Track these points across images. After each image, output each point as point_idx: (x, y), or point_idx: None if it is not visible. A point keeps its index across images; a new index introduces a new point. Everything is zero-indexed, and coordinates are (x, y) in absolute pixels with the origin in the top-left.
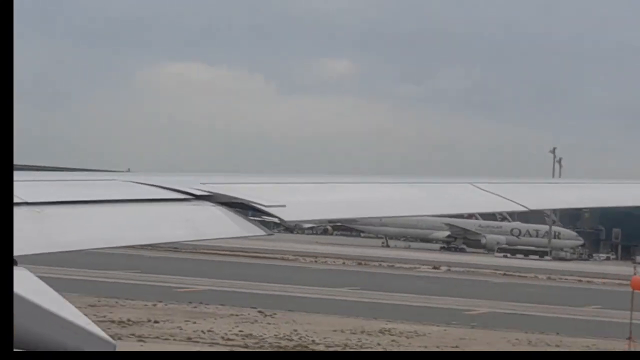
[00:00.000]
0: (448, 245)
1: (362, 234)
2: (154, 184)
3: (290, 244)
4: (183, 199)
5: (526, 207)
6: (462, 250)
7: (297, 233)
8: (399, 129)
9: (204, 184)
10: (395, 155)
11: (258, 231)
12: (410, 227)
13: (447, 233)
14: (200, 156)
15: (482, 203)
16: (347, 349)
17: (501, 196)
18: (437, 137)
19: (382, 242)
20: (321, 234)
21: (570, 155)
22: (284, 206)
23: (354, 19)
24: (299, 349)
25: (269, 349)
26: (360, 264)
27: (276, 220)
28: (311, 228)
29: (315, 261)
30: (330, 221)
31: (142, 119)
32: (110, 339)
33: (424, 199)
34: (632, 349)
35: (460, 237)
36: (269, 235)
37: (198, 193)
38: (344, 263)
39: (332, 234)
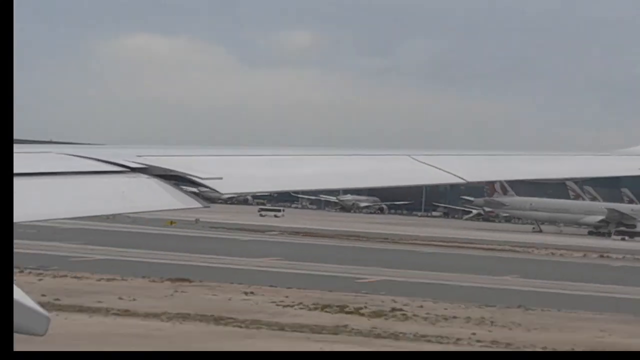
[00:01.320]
0: (597, 230)
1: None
2: (90, 156)
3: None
4: (118, 172)
5: (463, 179)
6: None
7: (354, 212)
8: (358, 101)
9: (140, 156)
10: (350, 127)
11: (194, 203)
12: (562, 211)
13: (600, 217)
14: (156, 129)
15: (418, 175)
16: None
17: (438, 168)
18: (395, 109)
19: (534, 228)
20: (375, 213)
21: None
22: (220, 178)
23: None
24: None
25: None
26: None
27: (213, 192)
28: (367, 207)
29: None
30: (266, 193)
31: (98, 93)
32: (44, 312)
33: (361, 172)
34: None
35: (615, 221)
36: (205, 207)
37: (133, 165)
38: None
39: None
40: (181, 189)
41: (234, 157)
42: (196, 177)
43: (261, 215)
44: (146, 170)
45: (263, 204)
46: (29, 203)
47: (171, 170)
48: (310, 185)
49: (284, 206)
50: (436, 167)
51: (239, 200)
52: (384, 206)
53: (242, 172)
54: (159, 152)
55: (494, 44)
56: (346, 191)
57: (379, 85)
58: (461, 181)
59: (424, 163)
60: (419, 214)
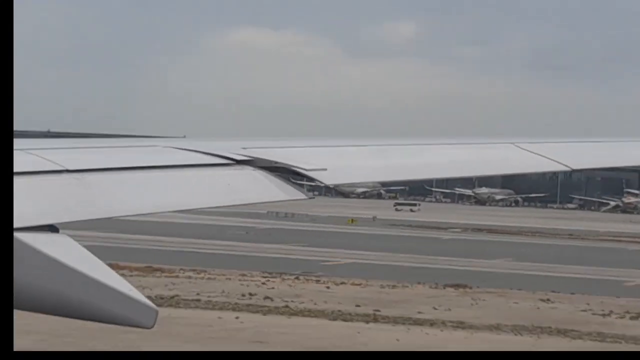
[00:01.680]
0: None
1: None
2: (195, 149)
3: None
4: (224, 164)
5: (569, 167)
6: None
7: (490, 205)
8: (462, 91)
9: (245, 148)
10: (453, 117)
11: (299, 195)
12: None
13: None
14: (266, 122)
15: (525, 163)
16: None
17: (544, 156)
18: (502, 98)
19: None
20: (510, 205)
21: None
22: (325, 169)
23: None
24: None
25: None
26: None
27: (319, 183)
28: (502, 200)
29: None
30: (372, 184)
31: (205, 86)
32: (152, 305)
33: (467, 160)
34: None
35: None
36: (310, 198)
37: (239, 158)
38: None
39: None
40: (287, 180)
41: (338, 147)
42: (301, 168)
43: (397, 209)
44: (251, 162)
45: (395, 197)
46: (139, 197)
47: (276, 162)
48: (415, 175)
49: (417, 200)
50: (541, 155)
51: (372, 194)
52: (519, 199)
53: (347, 163)
54: (264, 145)
55: (596, 31)
56: (481, 184)
57: (481, 74)
58: (566, 169)
59: (528, 151)
60: (555, 206)
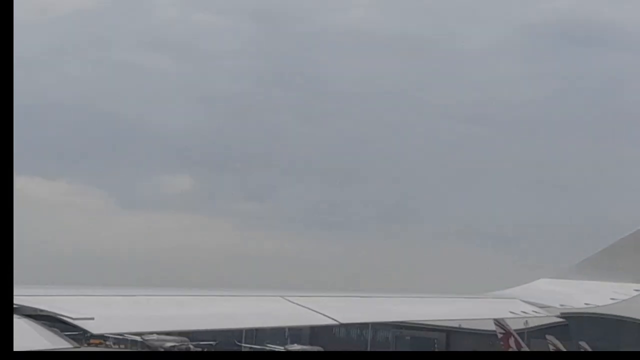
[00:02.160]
0: None
1: None
2: None
3: None
4: None
5: (337, 321)
6: None
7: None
8: (239, 245)
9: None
10: (230, 270)
11: (64, 344)
12: None
13: None
14: (34, 271)
15: (292, 316)
16: None
17: (312, 309)
18: (274, 253)
19: None
20: None
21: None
22: (92, 319)
23: (194, 137)
24: None
25: None
26: None
27: (86, 331)
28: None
29: None
30: (139, 334)
31: None
32: None
33: (238, 312)
34: None
35: None
36: (75, 348)
37: None
38: None
39: None
40: (51, 330)
41: (107, 297)
42: (66, 317)
43: None
44: (17, 310)
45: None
46: None
47: (42, 310)
48: (184, 326)
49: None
50: (309, 309)
51: (181, 348)
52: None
53: (115, 313)
54: (29, 292)
55: (380, 190)
56: (293, 340)
57: (257, 230)
58: (335, 323)
59: (297, 304)
60: None
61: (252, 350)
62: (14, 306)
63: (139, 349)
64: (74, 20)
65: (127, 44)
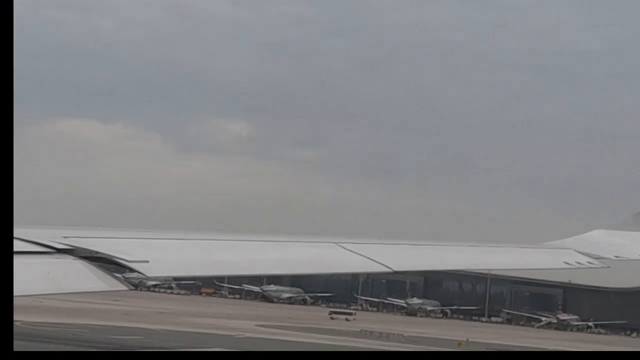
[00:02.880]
0: None
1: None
2: (15, 236)
3: None
4: (44, 252)
5: (390, 268)
6: None
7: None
8: (290, 189)
9: (66, 237)
10: (283, 215)
11: (119, 286)
12: None
13: None
14: (93, 214)
15: (347, 263)
16: None
17: (366, 257)
18: (327, 199)
19: None
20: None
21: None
22: (147, 262)
23: (251, 82)
24: None
25: None
26: None
27: (140, 275)
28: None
29: None
30: (195, 278)
31: (30, 175)
32: None
33: (292, 258)
34: None
35: None
36: (130, 290)
37: (59, 246)
38: None
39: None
40: (107, 272)
41: (162, 240)
42: (122, 259)
43: (332, 318)
44: (72, 251)
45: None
46: None
47: (97, 252)
48: (240, 271)
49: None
50: (363, 256)
51: (297, 300)
52: (448, 310)
53: (170, 256)
54: (86, 234)
55: (432, 138)
56: (413, 294)
57: (313, 176)
58: (388, 270)
59: (351, 251)
60: (484, 319)
61: (367, 301)
62: (70, 247)
63: (254, 299)
64: None
65: None
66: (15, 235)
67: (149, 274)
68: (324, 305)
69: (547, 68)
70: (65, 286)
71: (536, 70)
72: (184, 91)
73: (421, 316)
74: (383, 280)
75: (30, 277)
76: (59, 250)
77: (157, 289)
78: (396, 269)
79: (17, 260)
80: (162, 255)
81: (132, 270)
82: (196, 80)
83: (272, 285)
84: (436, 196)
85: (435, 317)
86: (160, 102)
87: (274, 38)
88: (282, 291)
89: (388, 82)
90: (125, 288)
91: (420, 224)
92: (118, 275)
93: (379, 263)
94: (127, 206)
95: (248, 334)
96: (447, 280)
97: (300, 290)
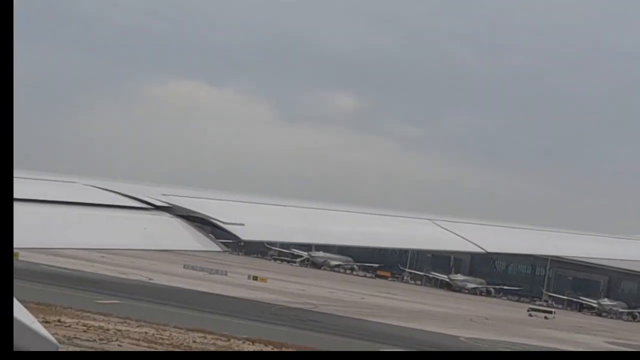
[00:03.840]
0: None
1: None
2: (115, 190)
3: None
4: (142, 208)
5: (484, 250)
6: None
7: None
8: (395, 166)
9: (165, 195)
10: (384, 190)
11: (214, 247)
12: None
13: None
14: (195, 174)
15: (440, 240)
16: None
17: (460, 236)
18: (430, 177)
19: None
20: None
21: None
22: (242, 225)
23: (361, 56)
24: None
25: None
26: None
27: (234, 238)
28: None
29: None
30: (289, 244)
31: (137, 132)
32: (54, 340)
33: (386, 232)
34: None
35: None
36: (224, 251)
37: (157, 204)
38: None
39: None
40: (203, 231)
41: (259, 205)
42: (218, 220)
43: (530, 315)
44: (170, 209)
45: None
46: (50, 231)
47: (194, 212)
48: (333, 240)
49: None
50: (457, 235)
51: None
52: (492, 289)
53: (265, 221)
54: (185, 193)
55: (537, 121)
56: (457, 270)
57: (415, 153)
58: (481, 251)
59: (445, 229)
60: (537, 302)
61: (413, 274)
62: (168, 205)
63: (303, 265)
64: None
65: None
66: (115, 189)
67: (244, 237)
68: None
69: None
70: (161, 243)
71: None
72: (294, 61)
73: (465, 292)
74: (428, 255)
75: (126, 231)
76: (157, 207)
77: (339, 269)
78: (489, 250)
79: (114, 213)
80: (259, 219)
81: (227, 232)
82: (307, 51)
83: (321, 252)
84: (537, 181)
85: (480, 295)
86: (269, 70)
87: (389, 14)
88: (331, 259)
89: (504, 64)
90: (219, 249)
91: (517, 209)
92: (211, 236)
93: (473, 243)
94: (229, 169)
95: None
96: (496, 260)
97: (350, 259)
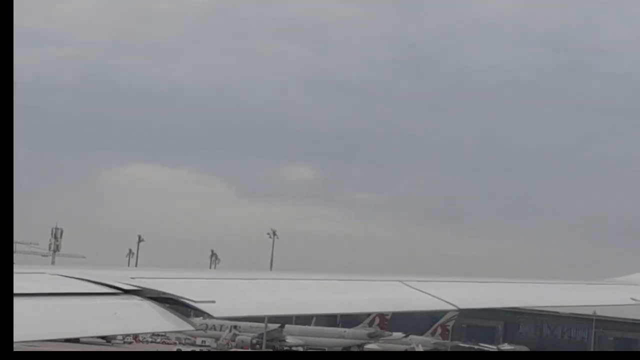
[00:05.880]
0: None
1: None
2: (83, 277)
3: None
4: (111, 293)
5: (456, 307)
6: None
7: None
8: (355, 233)
9: (133, 278)
10: (347, 256)
11: (187, 326)
12: None
13: None
14: (157, 254)
15: (412, 301)
16: None
17: (431, 294)
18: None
19: None
20: None
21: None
22: (213, 302)
23: (315, 125)
24: None
25: None
26: None
27: (206, 314)
28: None
29: None
30: (262, 317)
31: (98, 215)
32: None
33: (355, 297)
34: None
35: None
36: (197, 330)
37: (126, 288)
38: None
39: None
40: (174, 312)
41: (228, 280)
42: (188, 299)
43: None
44: (139, 292)
45: None
46: (24, 324)
47: (164, 293)
48: (306, 310)
49: None
50: (428, 294)
51: None
52: None
53: (236, 296)
54: (153, 275)
55: (499, 183)
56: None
57: (376, 220)
58: (453, 308)
59: (416, 289)
60: None
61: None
62: (136, 288)
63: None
64: (207, 10)
65: (260, 33)
66: (82, 276)
67: (215, 314)
68: None
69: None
70: (133, 326)
71: (620, 112)
72: (248, 135)
73: None
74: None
75: (97, 318)
76: (127, 292)
77: None
78: (462, 306)
79: (84, 301)
80: (229, 295)
81: (198, 310)
82: (260, 124)
83: (506, 345)
84: (501, 238)
85: None
86: (223, 147)
87: (343, 80)
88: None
89: (458, 124)
90: (191, 328)
91: (484, 264)
92: (183, 315)
93: (445, 301)
94: (189, 247)
95: None
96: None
97: (527, 348)
